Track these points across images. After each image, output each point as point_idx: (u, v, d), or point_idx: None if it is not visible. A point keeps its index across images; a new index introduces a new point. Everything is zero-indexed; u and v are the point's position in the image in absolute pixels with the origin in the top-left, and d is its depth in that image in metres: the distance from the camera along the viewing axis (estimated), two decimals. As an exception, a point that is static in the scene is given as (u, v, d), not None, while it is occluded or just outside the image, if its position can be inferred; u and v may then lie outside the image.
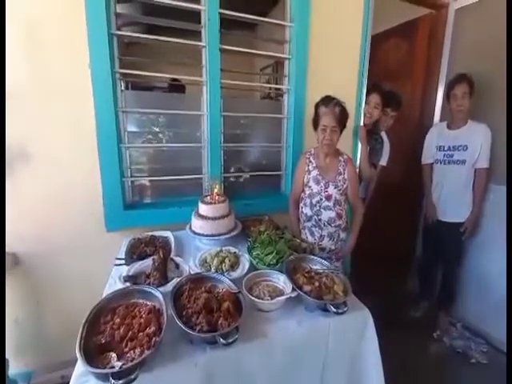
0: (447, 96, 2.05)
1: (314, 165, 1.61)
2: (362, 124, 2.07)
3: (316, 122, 1.56)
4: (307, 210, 1.62)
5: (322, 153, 1.59)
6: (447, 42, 2.30)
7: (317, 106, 1.56)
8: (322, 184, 1.57)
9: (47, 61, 1.38)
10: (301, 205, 1.67)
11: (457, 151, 2.02)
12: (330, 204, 1.57)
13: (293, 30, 1.82)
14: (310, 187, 1.60)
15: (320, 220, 1.59)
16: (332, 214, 1.57)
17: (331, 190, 1.56)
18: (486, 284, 2.10)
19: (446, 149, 2.08)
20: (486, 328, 2.10)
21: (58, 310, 1.57)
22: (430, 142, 2.18)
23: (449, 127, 2.10)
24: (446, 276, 2.23)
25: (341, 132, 1.53)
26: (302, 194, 1.66)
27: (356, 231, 1.67)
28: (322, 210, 1.58)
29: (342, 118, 1.49)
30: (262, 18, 1.80)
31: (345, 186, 1.58)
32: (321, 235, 1.61)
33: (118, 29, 1.51)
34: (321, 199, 1.58)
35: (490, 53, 2.03)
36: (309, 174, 1.61)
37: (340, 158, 1.61)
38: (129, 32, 1.56)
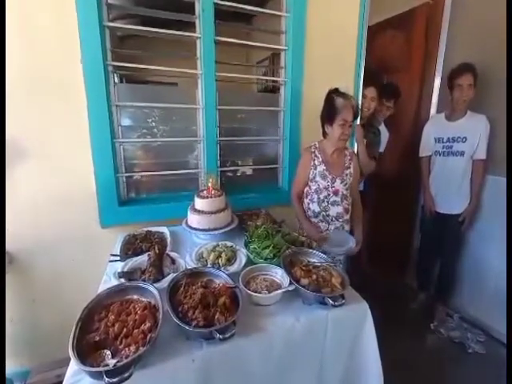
0: (450, 86, 1.99)
1: (320, 159, 1.56)
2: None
3: (331, 116, 1.43)
4: (314, 207, 1.58)
5: (333, 148, 1.53)
6: (444, 31, 2.27)
7: (331, 98, 1.44)
8: (328, 179, 1.54)
9: (37, 55, 1.34)
10: (306, 201, 1.62)
11: (456, 143, 2.01)
12: (338, 199, 1.55)
13: (289, 20, 1.78)
14: (316, 182, 1.56)
15: (328, 215, 1.56)
16: (340, 209, 1.55)
17: (338, 184, 1.54)
18: (483, 275, 2.11)
19: (444, 140, 2.06)
20: (483, 318, 2.11)
21: (53, 308, 1.56)
22: (428, 135, 2.16)
23: (448, 118, 2.07)
24: (444, 267, 2.23)
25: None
26: (308, 189, 1.61)
27: (362, 224, 1.64)
28: (330, 205, 1.55)
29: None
30: (257, 8, 1.76)
31: (350, 180, 1.57)
32: (327, 229, 1.58)
33: (111, 21, 1.47)
34: (328, 194, 1.55)
35: (488, 42, 1.99)
36: (315, 169, 1.56)
37: (346, 152, 1.59)
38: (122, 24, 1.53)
